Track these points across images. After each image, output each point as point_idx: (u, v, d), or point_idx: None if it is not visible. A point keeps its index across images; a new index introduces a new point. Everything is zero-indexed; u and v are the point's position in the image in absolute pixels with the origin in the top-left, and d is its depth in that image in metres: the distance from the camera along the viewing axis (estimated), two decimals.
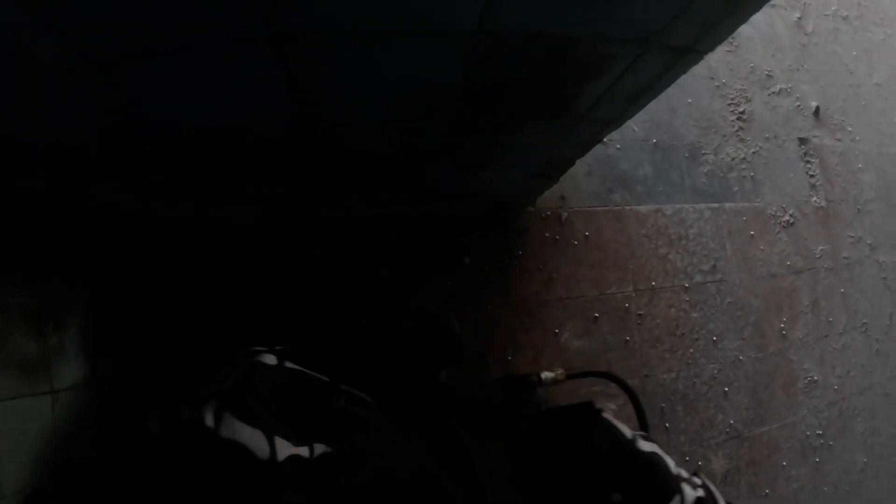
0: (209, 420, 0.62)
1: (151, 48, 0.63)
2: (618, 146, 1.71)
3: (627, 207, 1.69)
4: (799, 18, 2.25)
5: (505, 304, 1.58)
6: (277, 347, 0.83)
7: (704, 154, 1.84)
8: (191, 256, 1.35)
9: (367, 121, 0.93)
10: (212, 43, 0.64)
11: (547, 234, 1.62)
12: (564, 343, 1.63)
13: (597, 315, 1.65)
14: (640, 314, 1.70)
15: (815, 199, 2.07)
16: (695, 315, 1.78)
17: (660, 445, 1.80)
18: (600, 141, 1.25)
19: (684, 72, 0.92)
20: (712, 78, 1.92)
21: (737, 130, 1.92)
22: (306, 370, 0.82)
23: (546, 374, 1.56)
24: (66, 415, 1.08)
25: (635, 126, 1.75)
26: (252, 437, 0.60)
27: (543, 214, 1.62)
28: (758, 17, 2.24)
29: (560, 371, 1.57)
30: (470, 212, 1.58)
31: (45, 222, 1.11)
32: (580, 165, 1.70)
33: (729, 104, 1.93)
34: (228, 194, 1.19)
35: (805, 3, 2.30)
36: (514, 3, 0.66)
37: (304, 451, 0.62)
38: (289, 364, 0.80)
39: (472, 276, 1.56)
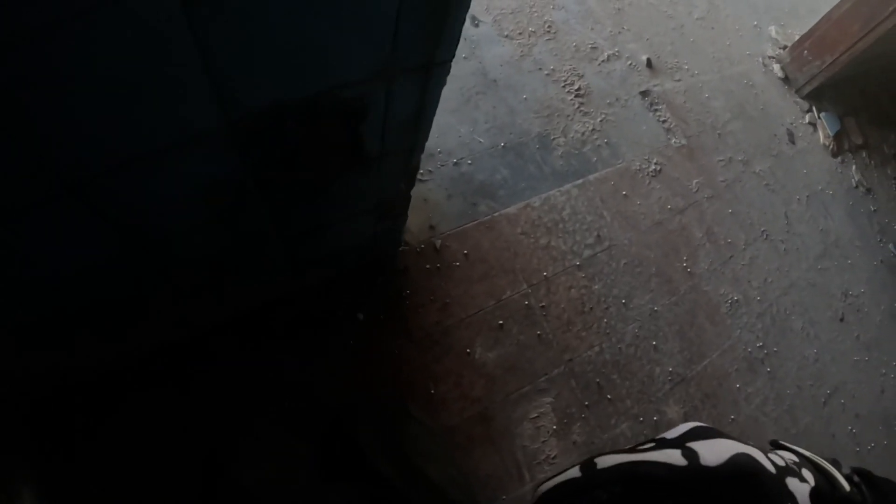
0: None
1: None
2: (469, 162, 1.68)
3: (496, 214, 1.65)
4: None
5: (410, 342, 1.52)
6: None
7: (554, 139, 1.82)
8: (109, 395, 1.29)
9: (188, 225, 0.91)
10: (24, 205, 0.64)
11: (428, 266, 1.56)
12: (480, 359, 1.56)
13: (501, 322, 1.59)
14: (542, 306, 1.65)
15: (673, 140, 2.06)
16: (596, 287, 1.74)
17: (607, 417, 1.74)
18: (417, 169, 1.21)
19: (443, 82, 0.91)
20: (540, 69, 1.91)
21: (578, 107, 1.90)
22: None
23: None
24: None
25: (480, 138, 1.71)
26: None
27: (418, 248, 1.57)
28: (567, 0, 2.25)
29: None
30: (347, 270, 1.52)
31: None
32: (439, 191, 1.67)
33: (563, 86, 1.91)
34: (110, 328, 1.13)
35: None
36: (243, 88, 0.66)
37: None
38: None
39: (370, 328, 1.50)
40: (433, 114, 1.00)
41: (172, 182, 0.77)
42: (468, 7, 0.77)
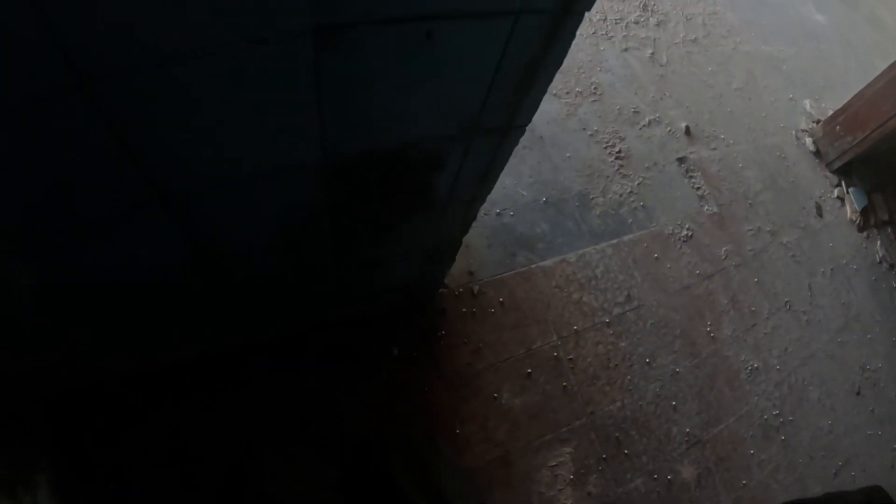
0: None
1: (67, 226, 0.69)
2: (511, 213, 1.74)
3: (533, 266, 1.70)
4: (652, 54, 2.35)
5: (440, 381, 1.56)
6: None
7: (593, 198, 1.87)
8: (137, 399, 1.33)
9: (258, 249, 0.99)
10: (115, 211, 0.70)
11: (464, 309, 1.61)
12: (506, 404, 1.60)
13: (530, 371, 1.63)
14: (570, 358, 1.68)
15: (706, 207, 2.11)
16: (623, 344, 1.77)
17: (623, 472, 1.75)
18: (474, 218, 1.28)
19: (516, 143, 0.99)
20: (584, 129, 1.98)
21: (618, 169, 1.96)
22: None
23: None
24: None
25: (523, 191, 1.78)
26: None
27: (457, 292, 1.62)
28: (614, 63, 2.34)
29: None
30: (387, 307, 1.58)
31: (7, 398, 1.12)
32: (480, 239, 1.73)
33: (605, 147, 1.98)
34: (160, 337, 1.20)
35: (655, 39, 2.41)
36: (345, 134, 0.75)
37: None
38: None
39: (403, 363, 1.54)
40: (500, 170, 1.07)
41: (258, 205, 0.84)
42: (551, 81, 0.84)
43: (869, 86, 2.66)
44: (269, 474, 1.30)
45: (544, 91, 0.87)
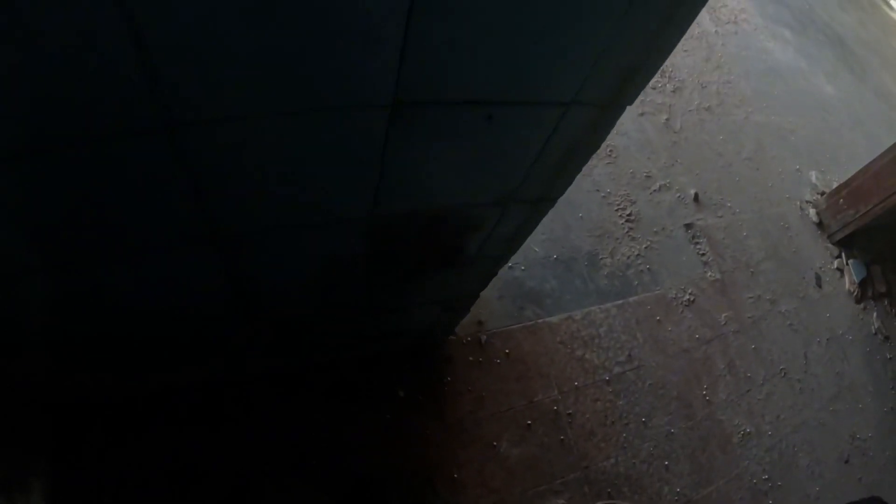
0: None
1: (118, 254, 0.74)
2: (522, 268, 1.80)
3: (540, 321, 1.76)
4: (667, 120, 2.45)
5: (441, 426, 1.60)
6: None
7: (602, 258, 1.94)
8: (140, 419, 1.36)
9: (293, 290, 1.05)
10: (166, 243, 0.75)
11: (471, 358, 1.67)
12: (504, 453, 1.64)
13: (529, 422, 1.67)
14: (569, 413, 1.73)
15: (709, 273, 2.17)
16: (620, 403, 1.81)
17: None
18: (495, 275, 1.34)
19: (546, 213, 1.06)
20: (598, 190, 2.06)
21: (627, 231, 2.03)
22: None
23: None
24: None
25: (535, 247, 1.85)
26: None
27: (465, 340, 1.67)
28: (629, 126, 2.43)
29: None
30: (396, 349, 1.63)
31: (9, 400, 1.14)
32: (492, 291, 1.79)
33: (616, 210, 2.05)
34: (175, 360, 1.24)
35: (670, 105, 2.50)
36: (396, 196, 0.81)
37: None
38: None
39: (407, 406, 1.59)
40: (529, 234, 1.14)
41: (301, 252, 0.90)
42: (587, 162, 0.91)
43: (874, 161, 2.74)
44: None
45: (579, 170, 0.94)
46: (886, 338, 2.88)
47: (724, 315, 2.13)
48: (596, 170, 2.09)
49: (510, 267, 1.81)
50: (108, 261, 0.76)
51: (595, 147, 0.88)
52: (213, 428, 1.40)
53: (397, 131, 0.66)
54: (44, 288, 0.79)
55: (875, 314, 2.86)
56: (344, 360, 1.60)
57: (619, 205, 2.06)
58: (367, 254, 0.97)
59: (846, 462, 2.46)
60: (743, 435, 2.09)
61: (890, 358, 2.86)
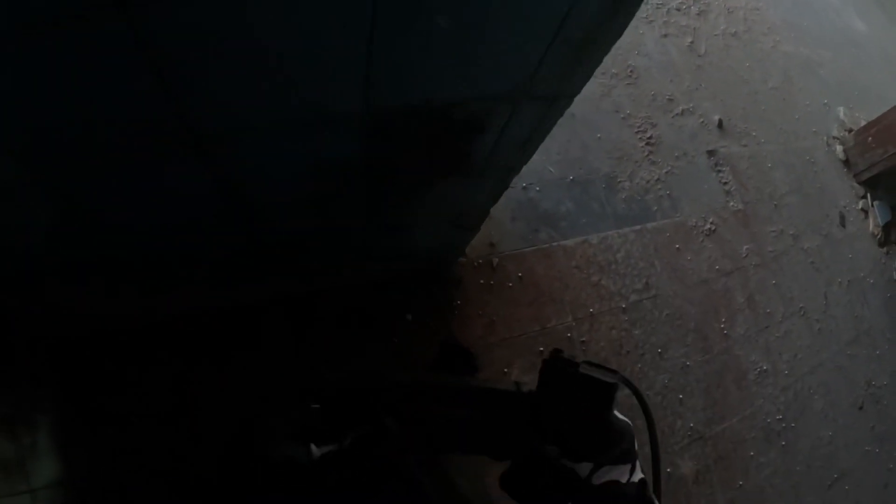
0: (272, 450, 0.76)
1: (95, 163, 0.69)
2: (537, 188, 1.74)
3: (555, 244, 1.70)
4: (691, 43, 2.33)
5: None
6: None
7: (620, 182, 1.87)
8: (146, 348, 1.33)
9: (288, 200, 0.98)
10: (147, 151, 0.69)
11: (482, 281, 1.62)
12: (515, 380, 1.61)
13: (542, 349, 1.64)
14: (583, 341, 1.70)
15: (732, 203, 2.11)
16: (636, 332, 1.78)
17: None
18: (506, 188, 1.28)
19: (561, 114, 0.97)
20: (617, 111, 1.97)
21: (647, 155, 1.96)
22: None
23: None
24: None
25: (551, 167, 1.78)
26: (294, 450, 0.71)
27: (476, 263, 1.62)
28: (652, 48, 2.32)
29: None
30: (405, 271, 1.58)
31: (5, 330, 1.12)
32: (505, 212, 1.73)
33: (636, 132, 1.97)
34: (177, 282, 1.19)
35: (695, 28, 2.39)
36: (391, 83, 0.73)
37: (333, 447, 0.73)
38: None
39: (416, 330, 1.56)
40: (542, 140, 1.06)
41: (292, 156, 0.83)
42: (606, 53, 0.83)
43: None
44: (275, 437, 1.31)
45: (599, 62, 0.85)
46: None
47: (745, 247, 2.09)
48: (616, 90, 2.00)
49: (524, 187, 1.74)
50: (93, 175, 0.71)
51: (616, 36, 0.79)
52: (220, 359, 1.36)
53: (385, 3, 0.57)
54: (34, 211, 0.74)
55: None
56: (354, 284, 1.55)
57: (639, 127, 1.97)
58: (364, 159, 0.89)
59: (860, 408, 2.48)
60: (759, 372, 2.08)
61: None
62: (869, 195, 2.75)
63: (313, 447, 0.71)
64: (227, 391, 1.36)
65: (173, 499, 1.26)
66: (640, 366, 1.78)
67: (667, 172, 1.97)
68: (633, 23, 0.92)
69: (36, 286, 0.98)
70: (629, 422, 0.73)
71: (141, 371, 1.31)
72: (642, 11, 2.29)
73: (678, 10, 2.39)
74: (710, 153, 2.12)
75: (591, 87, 2.03)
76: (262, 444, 1.28)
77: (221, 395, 1.36)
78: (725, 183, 2.11)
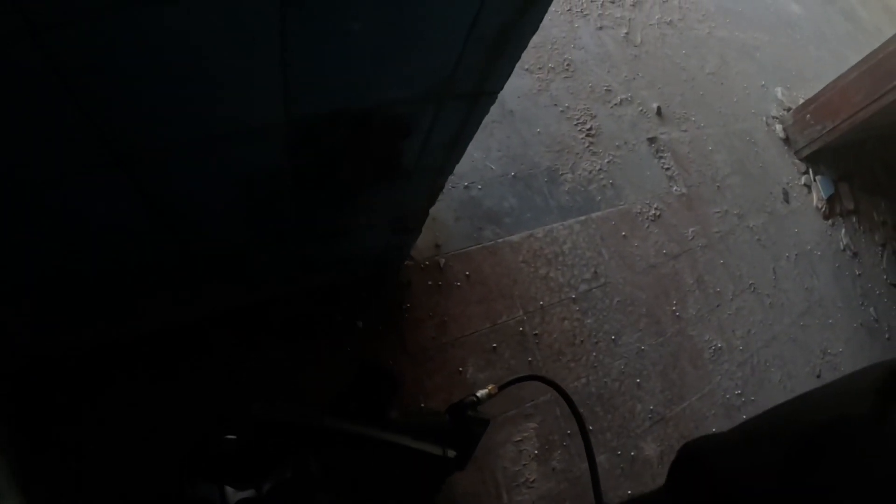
0: (185, 488, 0.74)
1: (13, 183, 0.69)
2: (479, 187, 1.80)
3: (500, 240, 1.77)
4: (626, 34, 2.45)
5: (405, 355, 1.62)
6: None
7: (563, 174, 1.96)
8: (96, 373, 1.34)
9: (219, 213, 1.00)
10: (67, 170, 0.70)
11: (430, 282, 1.67)
12: (471, 378, 1.67)
13: (495, 345, 1.71)
14: (535, 334, 1.77)
15: (675, 188, 2.23)
16: (588, 321, 1.86)
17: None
18: (441, 189, 1.33)
19: (486, 112, 1.02)
20: (556, 105, 2.06)
21: (588, 146, 2.05)
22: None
23: (481, 392, 1.59)
24: None
25: (492, 164, 1.85)
26: (209, 491, 0.72)
27: (423, 265, 1.68)
28: (587, 41, 2.43)
29: (492, 386, 1.61)
30: (352, 278, 1.62)
31: None
32: (448, 212, 1.79)
33: (576, 124, 2.07)
34: (114, 305, 1.20)
35: (630, 19, 2.51)
36: (309, 92, 0.76)
37: (250, 493, 0.72)
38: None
39: (367, 337, 1.60)
40: (469, 139, 1.11)
41: (218, 169, 0.85)
42: (524, 47, 0.89)
43: (842, 76, 2.83)
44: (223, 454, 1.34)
45: (517, 58, 0.90)
46: (855, 254, 3.05)
47: (691, 230, 2.21)
48: (553, 84, 2.09)
49: (466, 186, 1.80)
50: (9, 198, 0.71)
51: (532, 30, 0.84)
52: (170, 376, 1.38)
53: (293, 14, 0.61)
54: None
55: (843, 231, 3.02)
56: (300, 293, 1.58)
57: (578, 119, 2.07)
58: (294, 171, 0.93)
59: (818, 377, 2.63)
60: (714, 350, 2.19)
61: (859, 274, 3.04)
62: (811, 170, 2.93)
63: (229, 490, 0.71)
64: (182, 408, 1.38)
65: None
66: (595, 354, 1.87)
67: (608, 162, 2.07)
68: (567, 17, 0.98)
69: None
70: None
71: (93, 396, 1.32)
72: (577, 5, 2.40)
73: (612, 2, 2.51)
74: (651, 140, 2.24)
75: (529, 83, 2.12)
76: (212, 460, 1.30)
77: (176, 412, 1.37)
78: (668, 168, 2.23)
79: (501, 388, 1.59)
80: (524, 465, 1.70)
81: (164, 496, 1.21)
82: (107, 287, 1.10)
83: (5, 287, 0.93)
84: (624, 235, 2.02)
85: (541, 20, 0.84)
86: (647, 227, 2.09)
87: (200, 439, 1.33)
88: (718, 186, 2.38)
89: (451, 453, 0.98)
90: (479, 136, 1.11)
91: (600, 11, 2.45)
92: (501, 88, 0.97)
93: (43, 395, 1.29)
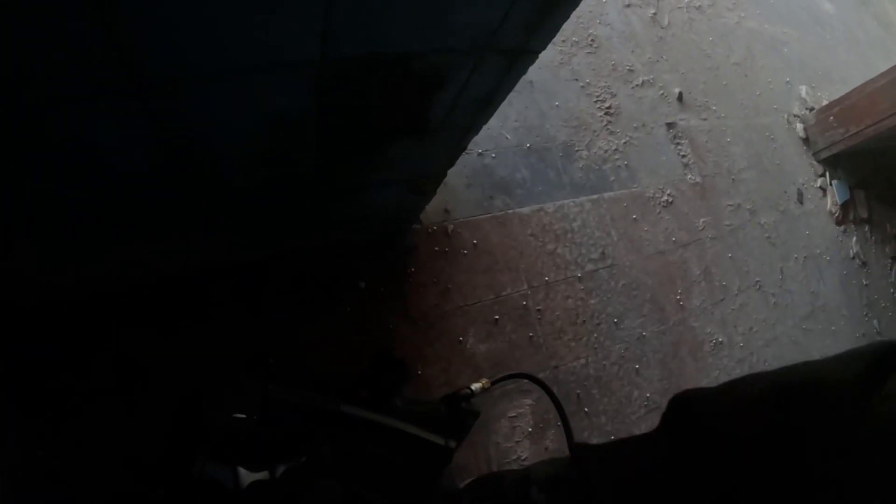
0: (197, 469, 0.75)
1: (17, 105, 0.66)
2: (493, 155, 1.82)
3: (510, 211, 1.80)
4: (654, 14, 2.46)
5: (406, 320, 1.65)
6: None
7: (578, 150, 1.98)
8: (87, 322, 1.34)
9: (235, 156, 0.98)
10: (77, 96, 0.67)
11: (436, 248, 1.70)
12: (470, 349, 1.70)
13: (497, 317, 1.74)
14: (538, 309, 1.80)
15: (689, 176, 2.26)
16: (592, 302, 1.90)
17: (581, 430, 1.89)
18: (464, 150, 1.35)
19: (524, 72, 1.02)
20: (577, 80, 2.08)
21: (606, 125, 2.07)
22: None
23: (475, 386, 1.63)
24: None
25: (507, 134, 1.86)
26: (223, 473, 0.72)
27: (430, 229, 1.70)
28: (614, 17, 2.44)
29: (485, 380, 1.64)
30: (359, 237, 1.65)
31: None
32: (459, 178, 1.81)
33: (595, 101, 2.08)
34: (114, 245, 1.19)
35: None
36: (351, 29, 0.73)
37: (264, 475, 0.73)
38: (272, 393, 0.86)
39: (370, 298, 1.62)
40: (502, 100, 1.10)
41: (241, 106, 0.83)
42: (578, 4, 0.87)
43: (870, 81, 2.85)
44: (224, 408, 1.36)
45: (567, 16, 0.89)
46: (864, 263, 3.10)
47: (702, 220, 2.24)
48: (575, 58, 2.10)
49: (480, 154, 1.82)
50: (11, 120, 0.67)
51: None
52: (165, 330, 1.39)
53: None
54: None
55: (854, 238, 3.06)
56: (304, 250, 1.59)
57: (598, 96, 2.09)
58: (320, 112, 0.91)
59: None
60: (715, 344, 2.24)
61: (866, 284, 3.09)
62: (828, 174, 2.97)
63: (242, 471, 0.73)
64: (176, 362, 1.40)
65: (116, 480, 1.29)
66: (596, 336, 1.91)
67: (625, 143, 2.09)
68: None
69: None
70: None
71: (80, 347, 1.31)
72: None
73: None
74: (670, 125, 2.26)
75: (551, 55, 2.13)
76: (210, 415, 1.33)
77: (169, 366, 1.39)
78: (684, 156, 2.25)
79: (494, 382, 1.64)
80: (517, 441, 1.74)
81: (162, 458, 1.23)
82: (106, 226, 1.09)
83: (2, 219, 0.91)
84: (634, 218, 2.05)
85: None
86: (659, 212, 2.12)
87: (192, 396, 1.35)
88: (733, 179, 2.41)
89: (453, 444, 1.03)
90: None
91: None
92: (544, 48, 0.96)
93: (24, 340, 1.27)
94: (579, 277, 1.88)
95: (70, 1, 0.53)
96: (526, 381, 1.80)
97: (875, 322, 3.07)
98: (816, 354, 2.67)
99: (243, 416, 0.84)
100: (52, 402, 1.28)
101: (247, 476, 0.74)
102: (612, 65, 2.19)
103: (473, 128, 1.22)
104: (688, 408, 0.54)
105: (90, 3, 0.54)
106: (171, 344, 1.41)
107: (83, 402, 1.29)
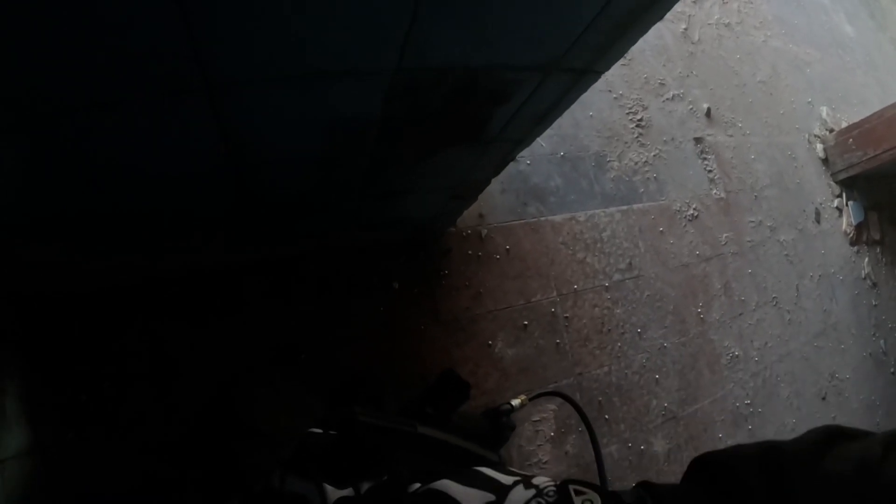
0: (275, 482, 0.77)
1: (90, 103, 0.67)
2: (528, 162, 1.87)
3: (543, 218, 1.84)
4: (685, 29, 2.51)
5: (437, 322, 1.69)
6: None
7: (609, 161, 2.03)
8: (119, 311, 1.37)
9: (291, 158, 1.00)
10: (148, 94, 0.68)
11: (470, 252, 1.74)
12: (498, 353, 1.75)
13: (526, 323, 1.78)
14: (566, 317, 1.85)
15: (714, 191, 2.31)
16: (618, 311, 1.95)
17: (601, 436, 1.94)
18: (512, 160, 1.38)
19: (585, 90, 1.05)
20: (610, 91, 2.12)
21: (637, 137, 2.12)
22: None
23: (515, 402, 1.67)
24: (14, 484, 1.09)
25: (543, 142, 1.91)
26: (306, 489, 0.74)
27: (465, 233, 1.74)
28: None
29: (524, 397, 1.69)
30: (394, 238, 1.68)
31: None
32: (495, 184, 1.85)
33: (627, 113, 2.13)
34: (161, 241, 1.22)
35: (690, 15, 2.57)
36: (429, 44, 0.75)
37: (349, 492, 0.75)
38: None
39: (402, 299, 1.66)
40: (558, 116, 1.13)
41: (307, 111, 0.85)
42: (646, 31, 0.90)
43: (889, 107, 2.91)
44: (254, 401, 1.39)
45: (635, 41, 0.92)
46: (874, 284, 3.17)
47: (724, 235, 2.30)
48: (609, 70, 2.15)
49: (516, 161, 1.86)
50: (83, 111, 0.67)
51: (658, 16, 0.86)
52: (199, 321, 1.41)
53: None
54: (14, 152, 0.71)
55: (867, 259, 3.13)
56: (338, 249, 1.62)
57: (630, 108, 2.14)
58: (384, 119, 0.92)
59: (823, 399, 2.75)
60: (731, 357, 2.30)
61: (875, 305, 3.16)
62: (844, 194, 3.03)
63: (328, 488, 0.76)
64: (207, 353, 1.43)
65: (146, 463, 1.32)
66: (619, 345, 1.95)
67: (655, 156, 2.14)
68: None
69: (6, 240, 0.96)
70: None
71: (115, 334, 1.34)
72: None
73: None
74: (698, 140, 2.31)
75: None
76: (246, 411, 1.35)
77: (201, 357, 1.42)
78: (710, 171, 2.31)
79: (531, 399, 1.68)
80: (539, 445, 1.79)
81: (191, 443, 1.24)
82: (154, 222, 1.10)
83: (55, 212, 0.93)
84: (661, 231, 2.10)
85: (668, 9, 0.85)
86: (685, 226, 2.17)
87: (220, 389, 1.38)
88: (756, 196, 2.47)
89: (501, 458, 1.07)
90: None
91: None
92: (608, 70, 0.98)
93: (59, 324, 1.29)
94: (606, 287, 1.93)
95: None
96: (551, 386, 1.84)
97: (882, 342, 3.14)
98: (825, 372, 2.74)
99: (319, 430, 0.87)
100: (85, 386, 1.31)
101: (333, 492, 0.77)
102: (645, 77, 2.24)
103: (525, 141, 1.25)
104: (713, 459, 0.58)
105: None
106: (202, 335, 1.44)
107: (115, 387, 1.33)
